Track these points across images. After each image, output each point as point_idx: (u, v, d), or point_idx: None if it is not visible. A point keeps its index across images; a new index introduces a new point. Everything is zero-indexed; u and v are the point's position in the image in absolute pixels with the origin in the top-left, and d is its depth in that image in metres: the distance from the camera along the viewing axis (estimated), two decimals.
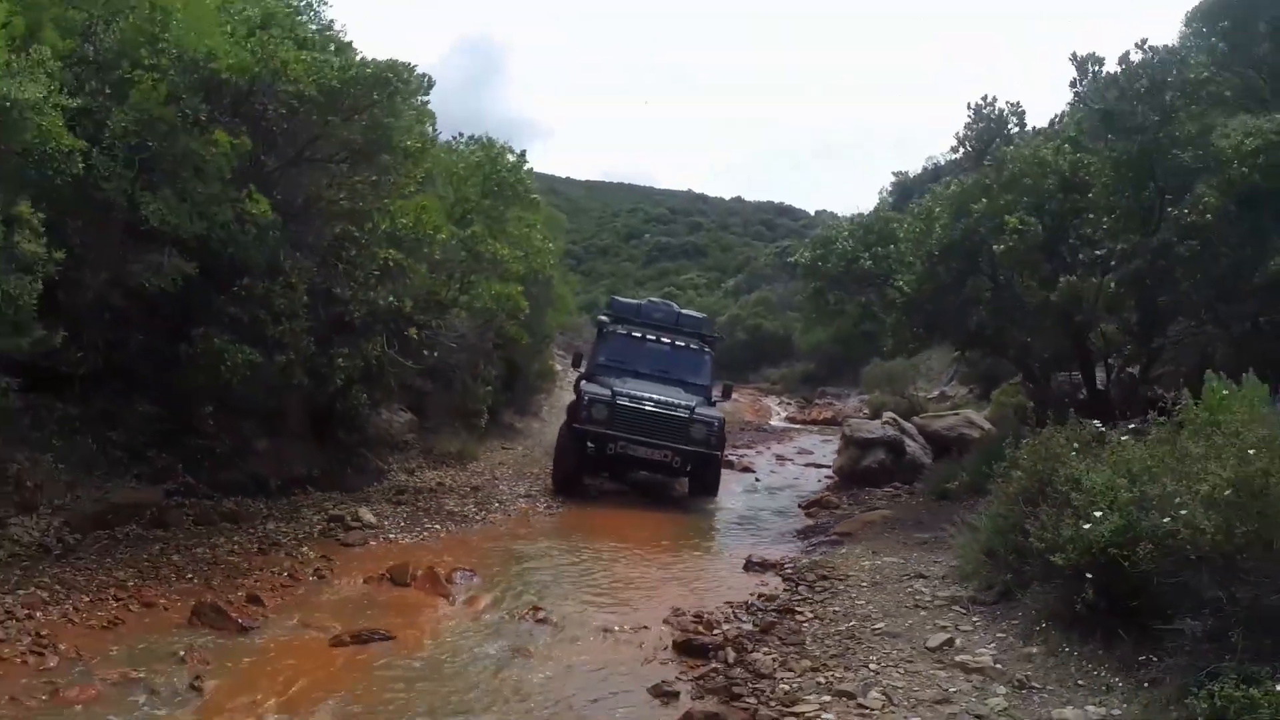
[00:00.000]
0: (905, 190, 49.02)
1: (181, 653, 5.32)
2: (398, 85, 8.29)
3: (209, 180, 6.98)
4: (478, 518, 9.65)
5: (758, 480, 14.56)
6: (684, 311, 14.78)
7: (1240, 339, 8.56)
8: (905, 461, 13.18)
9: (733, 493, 13.00)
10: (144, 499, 8.85)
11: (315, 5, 10.52)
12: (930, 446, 13.72)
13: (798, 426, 26.38)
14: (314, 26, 9.70)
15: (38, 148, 6.82)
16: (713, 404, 12.96)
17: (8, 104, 6.47)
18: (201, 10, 7.66)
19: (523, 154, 12.37)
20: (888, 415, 14.52)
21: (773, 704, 4.49)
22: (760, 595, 6.91)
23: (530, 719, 4.47)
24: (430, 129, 9.54)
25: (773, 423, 27.20)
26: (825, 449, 17.84)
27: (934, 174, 52.50)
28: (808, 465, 16.52)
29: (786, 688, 4.70)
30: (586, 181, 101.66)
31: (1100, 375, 9.99)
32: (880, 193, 65.88)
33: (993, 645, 5.16)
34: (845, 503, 11.74)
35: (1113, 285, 8.41)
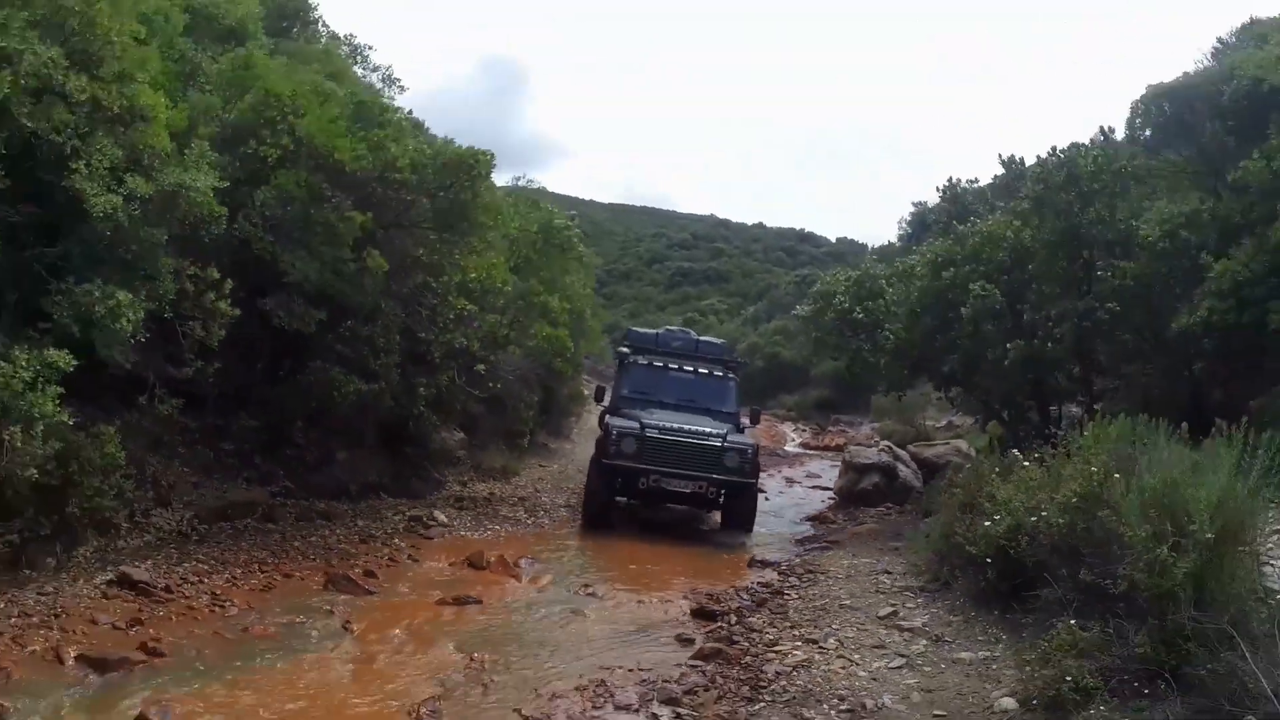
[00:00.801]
0: (923, 221, 50.97)
1: (327, 607, 7.33)
2: (476, 168, 10.41)
3: (339, 245, 9.04)
4: (528, 522, 11.66)
5: (767, 499, 16.44)
6: (703, 339, 14.81)
7: (1167, 383, 10.51)
8: (898, 485, 15.04)
9: None
10: (254, 498, 10.90)
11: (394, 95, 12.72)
12: (922, 471, 15.58)
13: (810, 452, 28.18)
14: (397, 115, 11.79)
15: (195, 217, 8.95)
16: (743, 430, 12.87)
17: (184, 189, 8.60)
18: (329, 117, 9.76)
19: (572, 217, 14.41)
20: (883, 443, 16.40)
21: (759, 645, 6.44)
22: (759, 583, 8.86)
23: (592, 647, 6.44)
24: (497, 197, 11.64)
25: (787, 448, 28.97)
26: (832, 473, 19.67)
27: (953, 201, 54.24)
28: (814, 488, 18.39)
29: (771, 637, 6.65)
30: (609, 204, 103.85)
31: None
32: (900, 223, 67.82)
33: (926, 616, 7.08)
34: (840, 519, 13.64)
35: (1050, 345, 10.33)
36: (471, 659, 6.15)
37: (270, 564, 8.53)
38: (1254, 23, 16.29)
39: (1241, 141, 11.27)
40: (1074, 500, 5.91)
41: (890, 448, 16.00)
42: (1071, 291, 10.07)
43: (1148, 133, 12.14)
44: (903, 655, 6.16)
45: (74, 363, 7.22)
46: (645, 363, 13.31)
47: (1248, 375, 10.05)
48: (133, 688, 5.59)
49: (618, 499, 12.16)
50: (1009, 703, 5.15)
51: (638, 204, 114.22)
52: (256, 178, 10.05)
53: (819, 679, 5.68)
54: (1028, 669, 5.23)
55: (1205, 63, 15.53)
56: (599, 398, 13.83)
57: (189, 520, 9.82)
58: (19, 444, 7.37)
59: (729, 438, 11.81)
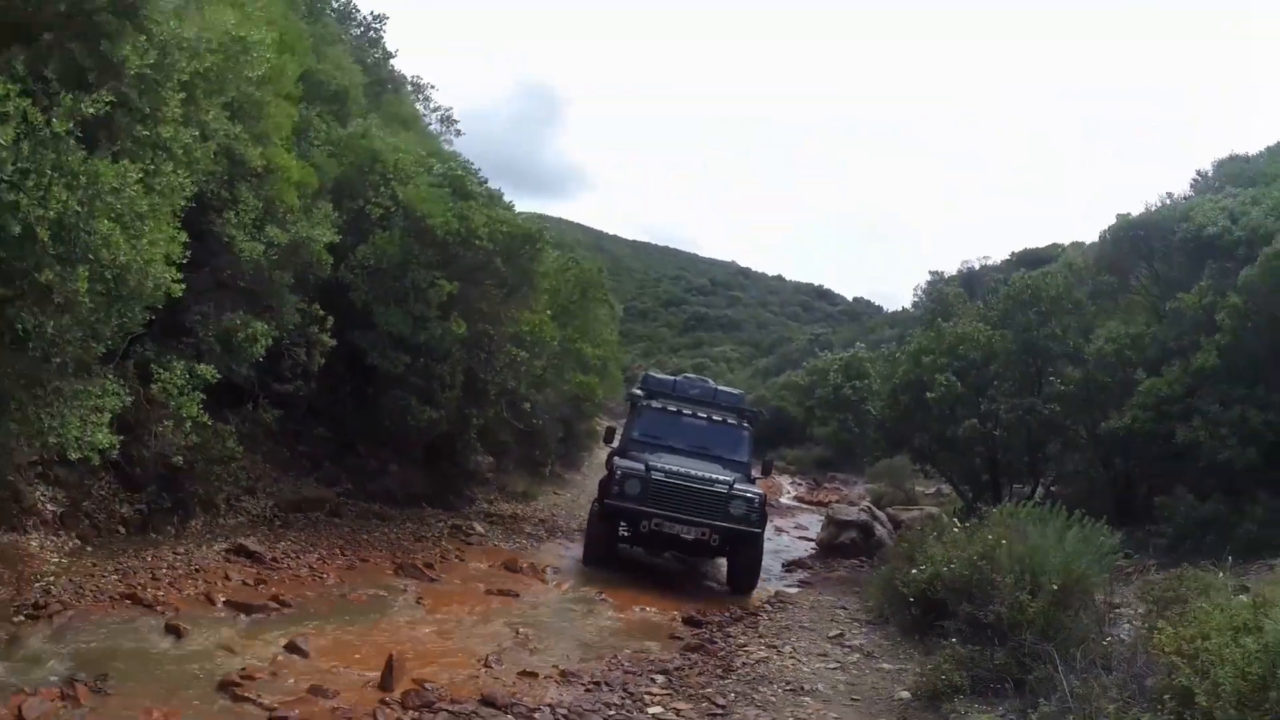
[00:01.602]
0: (939, 294, 53.46)
1: (401, 587, 9.55)
2: (538, 239, 12.76)
3: (428, 305, 11.34)
4: (548, 538, 13.86)
5: None
6: (721, 388, 14.73)
7: (1104, 473, 12.72)
8: (873, 541, 17.17)
9: None
10: (323, 496, 13.18)
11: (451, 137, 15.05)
12: (896, 531, 17.72)
13: (804, 506, 30.23)
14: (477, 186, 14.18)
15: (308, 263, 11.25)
16: (753, 480, 12.81)
17: (308, 240, 10.93)
18: (428, 183, 12.12)
19: (601, 270, 16.76)
20: (864, 503, 18.58)
21: (733, 646, 8.64)
22: (739, 607, 11.02)
23: (605, 634, 8.65)
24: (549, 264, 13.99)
25: (781, 499, 31.02)
26: (818, 527, 21.87)
27: (968, 276, 56.84)
28: (800, 538, 20.47)
29: (742, 642, 8.84)
30: (631, 241, 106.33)
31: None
32: (915, 290, 70.31)
33: (864, 638, 9.25)
34: (817, 566, 15.77)
35: (999, 432, 12.57)
36: (517, 632, 8.37)
37: (348, 550, 10.76)
38: (1231, 159, 18.61)
39: (1185, 276, 13.54)
40: (974, 557, 8.11)
41: (870, 508, 18.16)
42: (1024, 391, 12.35)
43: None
44: (839, 662, 8.34)
45: (216, 375, 9.50)
46: (659, 406, 13.28)
47: (1164, 475, 12.24)
48: (274, 625, 7.80)
49: (621, 544, 12.25)
50: (905, 695, 7.33)
51: (659, 243, 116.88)
52: (358, 231, 12.45)
53: (773, 670, 7.87)
54: (920, 673, 7.41)
55: (1186, 192, 17.87)
56: (608, 439, 13.86)
57: (271, 508, 12.08)
58: (170, 435, 9.70)
59: (736, 485, 11.74)
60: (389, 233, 11.77)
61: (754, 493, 11.94)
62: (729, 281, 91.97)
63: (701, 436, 13.00)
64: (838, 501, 21.01)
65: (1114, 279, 13.78)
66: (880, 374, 14.23)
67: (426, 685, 6.51)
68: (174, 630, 7.31)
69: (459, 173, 13.30)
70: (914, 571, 8.86)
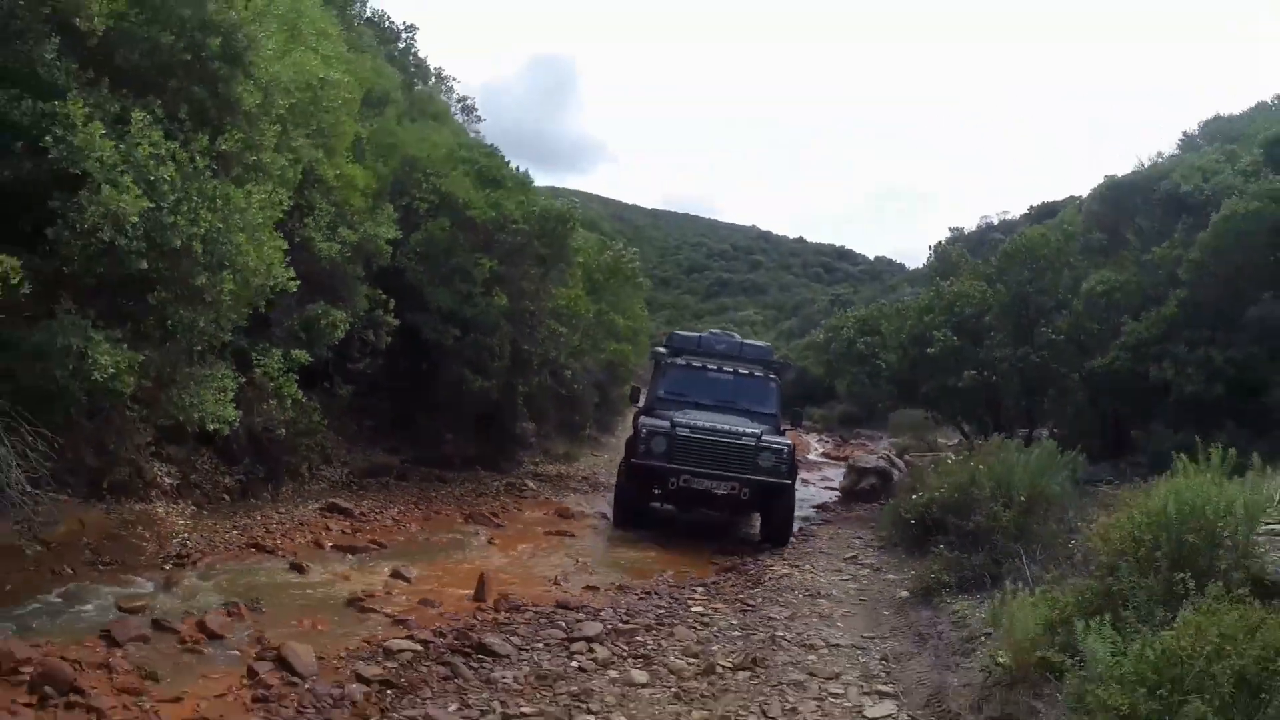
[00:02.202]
0: (943, 253, 54.69)
1: (473, 531, 11.25)
2: (569, 220, 14.33)
3: (472, 283, 12.98)
4: (593, 492, 15.54)
5: None
6: (747, 342, 14.72)
7: (1092, 412, 14.21)
8: (891, 486, 18.69)
9: None
10: (390, 462, 14.91)
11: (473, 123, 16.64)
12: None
13: (830, 461, 31.83)
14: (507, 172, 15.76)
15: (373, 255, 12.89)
16: (781, 432, 12.83)
17: (374, 238, 12.57)
18: (464, 175, 13.71)
19: (636, 252, 18.32)
20: (882, 453, 20.13)
21: (761, 567, 10.27)
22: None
23: (650, 562, 10.32)
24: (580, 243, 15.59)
25: (809, 456, 32.64)
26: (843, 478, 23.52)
27: (985, 231, 57.87)
28: (825, 488, 22.09)
29: (769, 563, 10.48)
30: (650, 209, 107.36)
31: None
32: (934, 247, 71.49)
33: (874, 558, 10.86)
34: (839, 509, 17.39)
35: (994, 379, 14.08)
36: (577, 561, 10.06)
37: (421, 505, 12.49)
38: (1216, 119, 19.79)
39: (1165, 231, 14.93)
40: (963, 481, 9.69)
41: (889, 456, 19.74)
42: (1017, 341, 13.84)
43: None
44: (851, 576, 9.98)
45: (309, 359, 11.18)
46: (683, 363, 13.31)
47: (1144, 412, 13.72)
48: (377, 561, 9.52)
49: (651, 503, 12.29)
50: (904, 594, 8.95)
51: (679, 210, 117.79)
52: (408, 222, 14.08)
53: (795, 582, 9.50)
54: (917, 576, 9.02)
55: (1172, 152, 19.17)
56: (634, 398, 14.15)
57: (346, 474, 13.82)
58: (273, 412, 11.40)
59: (764, 437, 11.75)
60: (439, 220, 13.37)
61: (783, 444, 11.95)
62: (750, 246, 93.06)
63: (728, 390, 13.08)
64: (859, 453, 22.52)
65: (1104, 236, 15.17)
66: (890, 329, 15.73)
67: (511, 597, 8.19)
68: (297, 567, 9.03)
69: (490, 163, 14.86)
70: (914, 497, 10.44)
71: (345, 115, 11.26)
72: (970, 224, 62.44)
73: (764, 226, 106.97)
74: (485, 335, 13.69)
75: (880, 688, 6.42)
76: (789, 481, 11.81)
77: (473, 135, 23.82)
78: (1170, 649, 3.56)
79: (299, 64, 9.27)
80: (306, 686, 5.88)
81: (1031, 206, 48.16)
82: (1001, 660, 5.67)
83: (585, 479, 16.90)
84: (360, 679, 6.02)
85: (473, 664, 6.37)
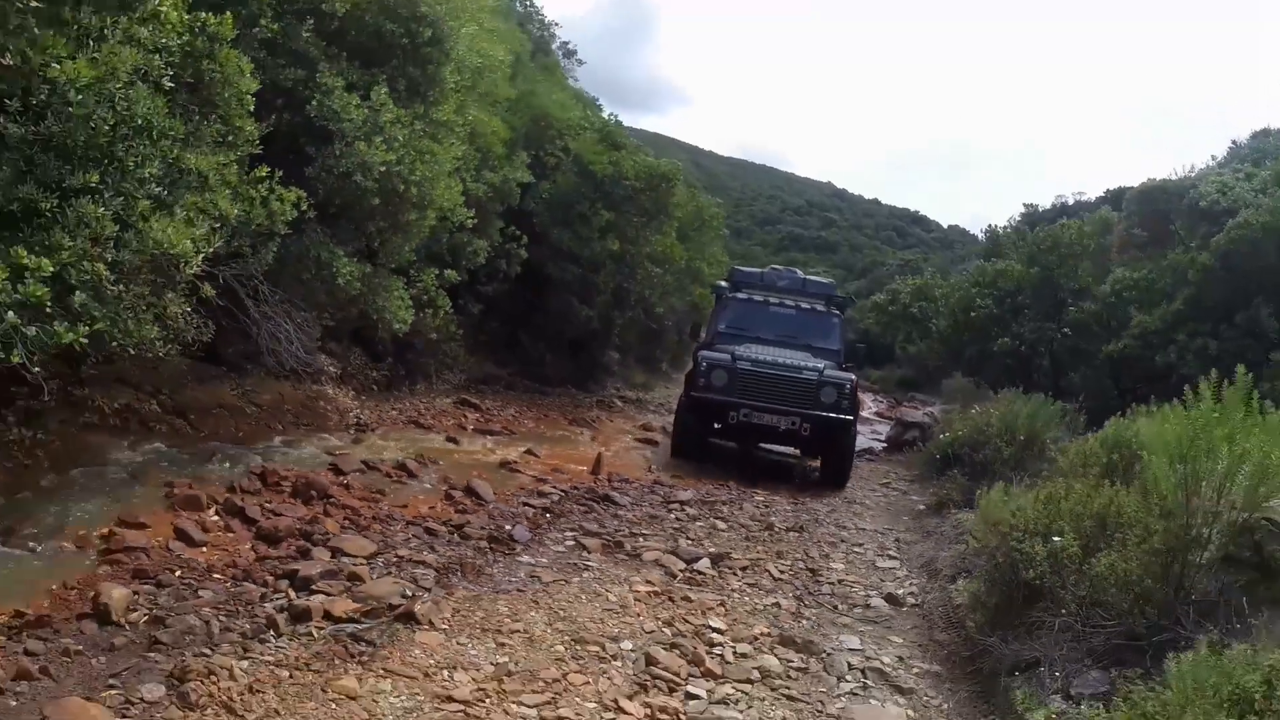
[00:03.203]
0: (1032, 222, 55.95)
1: (578, 431, 14.10)
2: (672, 180, 16.93)
3: (591, 229, 15.69)
4: (668, 416, 18.30)
5: None
6: (810, 277, 14.65)
7: (1111, 387, 16.57)
8: (931, 438, 21.25)
9: None
10: (500, 374, 17.84)
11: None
12: None
13: (882, 419, 34.32)
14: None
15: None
16: (844, 368, 12.68)
17: (511, 181, 15.31)
18: (591, 138, 16.36)
19: (719, 204, 20.83)
20: (927, 409, 22.60)
21: (809, 481, 12.97)
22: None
23: (720, 473, 13.07)
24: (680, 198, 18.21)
25: (863, 413, 35.07)
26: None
27: (1060, 211, 58.88)
28: (873, 440, 24.70)
29: (815, 480, 13.17)
30: (727, 157, 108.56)
31: None
32: (1010, 220, 72.46)
33: (905, 485, 13.49)
34: (883, 454, 19.99)
35: (1023, 348, 16.46)
36: (652, 462, 12.85)
37: (531, 410, 15.37)
38: (1263, 132, 21.48)
39: (1190, 235, 17.02)
40: (979, 424, 12.22)
41: (932, 413, 22.19)
42: (1047, 317, 16.23)
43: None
44: (882, 494, 12.64)
45: (459, 278, 13.98)
46: (744, 297, 13.32)
47: (1152, 391, 15.98)
48: (511, 442, 12.39)
49: (710, 437, 12.45)
50: (921, 506, 11.59)
51: (755, 160, 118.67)
52: (536, 172, 16.79)
53: (835, 494, 12.18)
54: (933, 494, 11.65)
55: (1222, 158, 21.06)
56: (695, 334, 15.42)
57: (464, 380, 16.78)
58: (427, 319, 14.24)
59: (826, 372, 11.71)
60: (564, 173, 16.05)
61: (845, 379, 11.90)
62: (824, 203, 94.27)
63: (790, 325, 13.06)
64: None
65: (1144, 233, 17.35)
66: (944, 296, 18.17)
67: (617, 474, 11.01)
68: (452, 440, 11.95)
69: (612, 130, 17.44)
70: (941, 437, 13.01)
71: (503, 81, 13.94)
72: (1046, 202, 63.24)
73: (839, 184, 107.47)
74: (593, 273, 16.40)
75: (891, 554, 9.11)
76: (851, 418, 11.83)
77: (572, 83, 26.26)
78: (1052, 495, 6.19)
79: (473, 43, 11.92)
80: (491, 506, 8.75)
81: (1108, 190, 49.14)
82: (977, 535, 8.30)
83: (661, 405, 19.69)
84: (527, 505, 8.88)
85: (601, 507, 9.20)
